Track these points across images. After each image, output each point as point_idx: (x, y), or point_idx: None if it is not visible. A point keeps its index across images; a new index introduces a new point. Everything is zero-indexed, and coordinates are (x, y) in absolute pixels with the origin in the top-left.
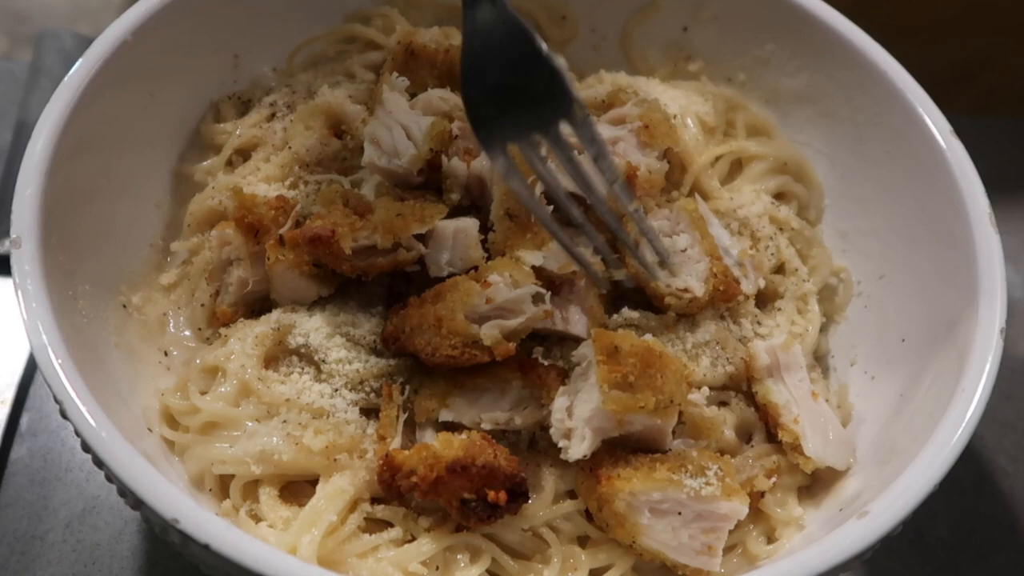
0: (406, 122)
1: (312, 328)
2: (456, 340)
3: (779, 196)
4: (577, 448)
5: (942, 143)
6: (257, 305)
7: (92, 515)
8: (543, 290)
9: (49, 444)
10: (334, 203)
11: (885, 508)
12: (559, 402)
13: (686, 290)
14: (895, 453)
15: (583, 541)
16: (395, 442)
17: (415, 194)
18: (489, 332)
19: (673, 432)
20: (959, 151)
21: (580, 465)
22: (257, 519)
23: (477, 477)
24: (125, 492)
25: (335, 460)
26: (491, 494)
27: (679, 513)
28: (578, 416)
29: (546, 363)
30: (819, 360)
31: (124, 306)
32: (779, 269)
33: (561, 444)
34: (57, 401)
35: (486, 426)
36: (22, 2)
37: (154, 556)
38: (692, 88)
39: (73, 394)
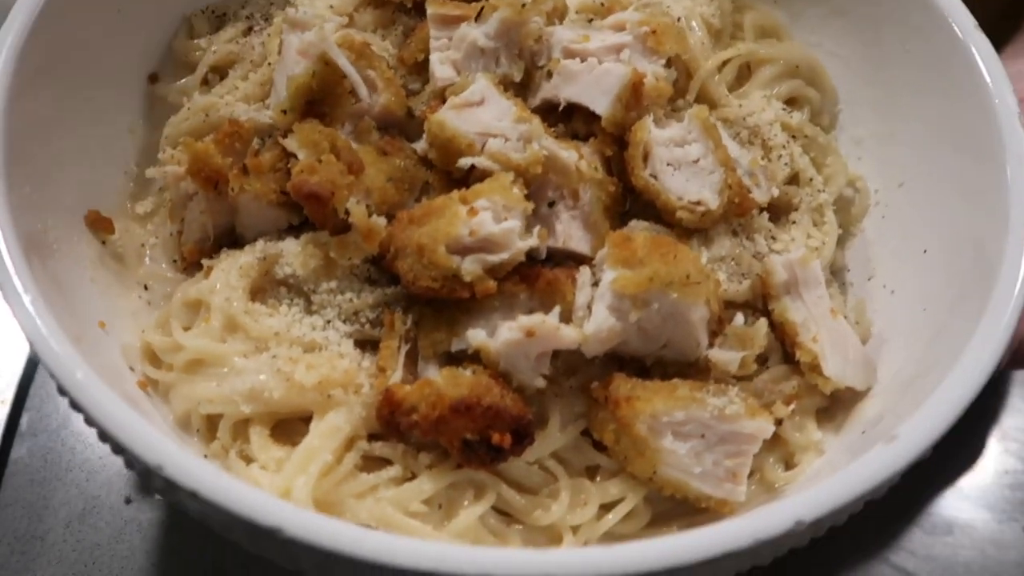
0: (291, 70)
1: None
2: (436, 272)
3: (790, 102)
4: (590, 323)
5: (966, 39)
6: (224, 239)
7: (92, 515)
8: (531, 216)
9: (49, 444)
10: (319, 147)
11: (914, 431)
12: (580, 297)
13: (699, 203)
14: (919, 373)
15: (592, 473)
16: (396, 375)
17: (395, 143)
18: (470, 268)
19: (712, 343)
20: (985, 47)
21: (594, 395)
22: (248, 460)
23: (481, 418)
24: (105, 437)
25: (329, 396)
26: (495, 436)
27: (702, 436)
28: (596, 301)
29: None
30: (835, 275)
31: (102, 242)
32: (792, 180)
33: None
34: (29, 342)
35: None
36: None
37: (154, 556)
38: None
39: (45, 332)
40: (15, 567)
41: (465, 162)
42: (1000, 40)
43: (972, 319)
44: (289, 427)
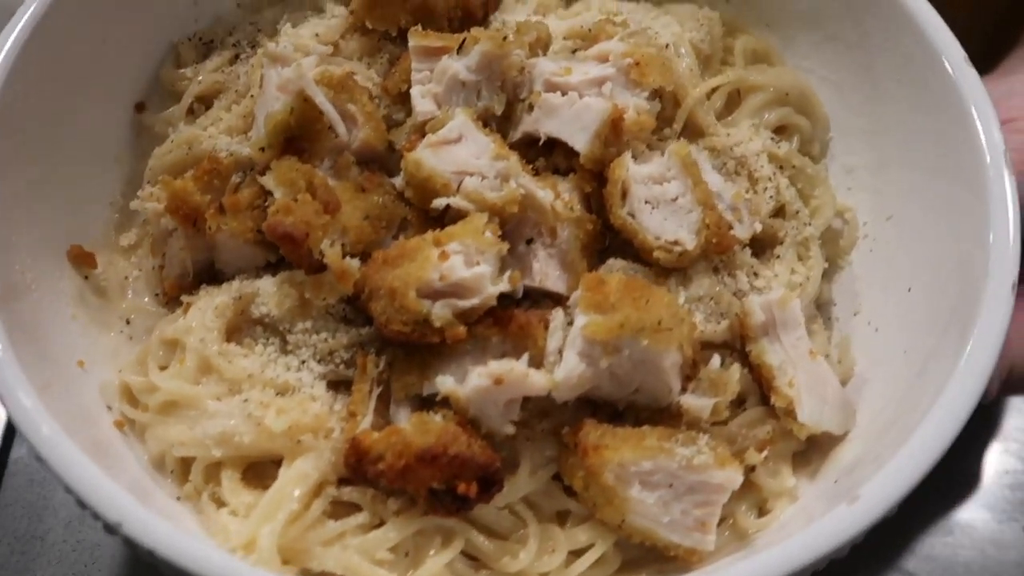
0: (271, 106)
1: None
2: (407, 317)
3: (780, 130)
4: (560, 370)
5: (955, 72)
6: (205, 274)
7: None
8: (507, 255)
9: None
10: (295, 186)
11: (877, 492)
12: (552, 342)
13: (676, 242)
14: (897, 418)
15: (563, 518)
16: (366, 420)
17: (375, 179)
18: (440, 313)
19: (685, 388)
20: (973, 80)
21: (563, 441)
22: (220, 503)
23: (447, 467)
24: (68, 491)
25: (299, 442)
26: (461, 486)
27: (670, 485)
28: (567, 347)
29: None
30: (821, 308)
31: (85, 276)
32: (778, 212)
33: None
34: None
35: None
36: None
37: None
38: (686, 13)
39: (11, 383)
40: (15, 567)
41: (440, 203)
42: (994, 53)
43: (949, 367)
44: (262, 469)
